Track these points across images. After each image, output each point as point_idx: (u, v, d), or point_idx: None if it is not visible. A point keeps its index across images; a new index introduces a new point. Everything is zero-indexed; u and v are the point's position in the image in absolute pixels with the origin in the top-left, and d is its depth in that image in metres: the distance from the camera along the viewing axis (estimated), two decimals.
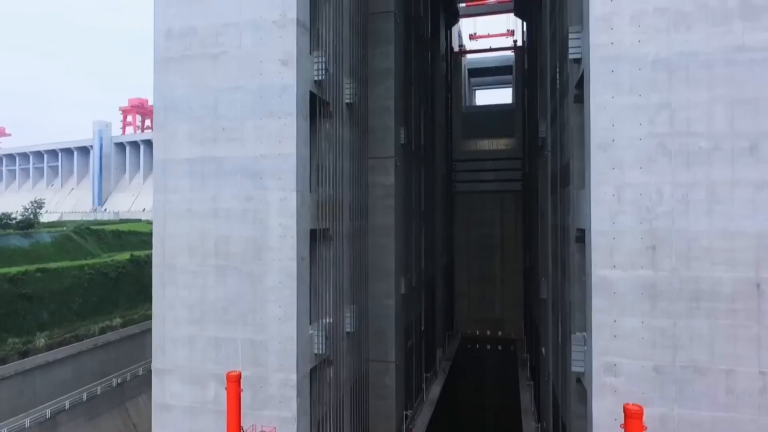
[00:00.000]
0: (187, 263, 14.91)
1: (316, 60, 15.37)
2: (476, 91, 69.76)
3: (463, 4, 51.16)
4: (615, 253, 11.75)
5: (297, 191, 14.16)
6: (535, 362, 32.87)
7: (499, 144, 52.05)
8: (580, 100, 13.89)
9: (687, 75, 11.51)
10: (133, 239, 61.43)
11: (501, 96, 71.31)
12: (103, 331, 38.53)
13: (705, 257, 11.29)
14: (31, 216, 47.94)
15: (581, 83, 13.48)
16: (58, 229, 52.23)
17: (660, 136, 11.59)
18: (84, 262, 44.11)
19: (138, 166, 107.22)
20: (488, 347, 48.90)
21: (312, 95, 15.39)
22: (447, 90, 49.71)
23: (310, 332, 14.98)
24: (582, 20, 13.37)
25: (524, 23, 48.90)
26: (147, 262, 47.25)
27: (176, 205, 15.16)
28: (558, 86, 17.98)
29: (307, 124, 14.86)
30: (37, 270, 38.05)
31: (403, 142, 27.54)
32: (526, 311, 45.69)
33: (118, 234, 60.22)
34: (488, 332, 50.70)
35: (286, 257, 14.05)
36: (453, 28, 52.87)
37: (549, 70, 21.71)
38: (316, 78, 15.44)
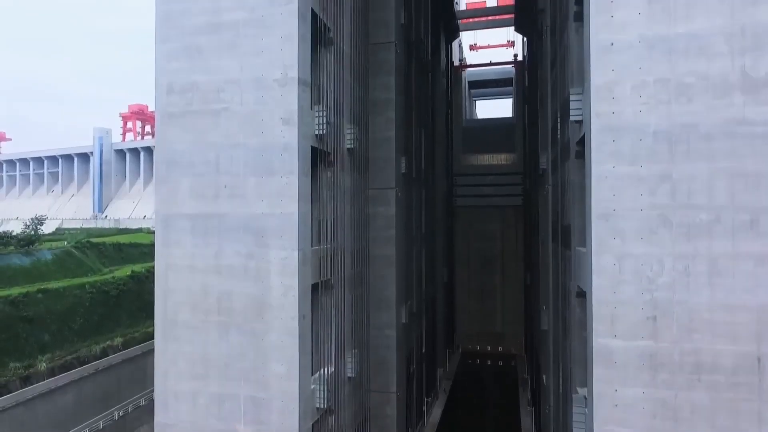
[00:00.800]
0: (190, 319, 14.96)
1: (317, 114, 15.40)
2: (477, 102, 69.70)
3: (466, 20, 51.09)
4: (616, 322, 11.80)
5: (299, 249, 14.20)
6: (536, 385, 32.95)
7: (500, 159, 52.10)
8: (581, 156, 13.92)
9: (688, 147, 11.54)
10: (134, 251, 61.58)
11: (501, 106, 71.10)
12: (104, 352, 38.61)
13: (706, 329, 11.32)
14: (32, 233, 47.88)
15: (582, 143, 13.51)
16: (59, 244, 52.26)
17: (661, 208, 11.62)
18: (85, 280, 44.18)
19: (138, 172, 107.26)
20: (489, 362, 49.00)
21: (313, 149, 15.42)
22: (447, 105, 49.75)
23: (312, 387, 15.04)
24: (583, 82, 13.39)
25: (524, 38, 48.91)
26: (148, 277, 47.40)
27: (179, 260, 15.19)
28: (559, 139, 18.00)
29: (308, 179, 14.90)
30: (39, 291, 38.13)
31: (403, 171, 27.59)
32: (527, 328, 45.76)
33: (118, 247, 60.35)
34: (489, 347, 50.79)
35: (288, 316, 14.10)
36: (453, 42, 52.89)
37: (549, 118, 21.73)
38: (317, 132, 15.48)
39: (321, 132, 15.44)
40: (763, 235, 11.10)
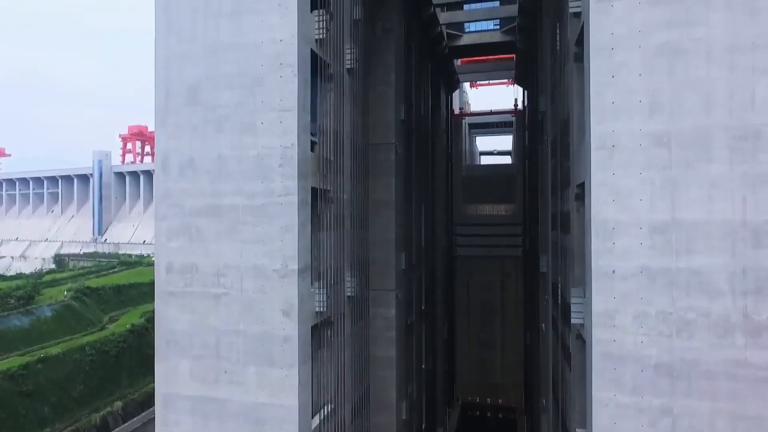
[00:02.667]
0: None
1: (317, 294, 15.36)
2: (477, 138, 69.65)
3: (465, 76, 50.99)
4: None
5: None
6: None
7: (500, 209, 52.06)
8: (583, 382, 13.84)
9: (689, 384, 11.52)
10: (134, 293, 61.69)
11: (501, 142, 71.04)
12: (104, 421, 38.61)
13: None
14: (30, 289, 47.86)
15: (583, 364, 13.47)
16: (59, 294, 52.20)
17: None
18: (85, 340, 44.20)
19: (138, 195, 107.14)
20: (488, 414, 49.06)
21: (314, 327, 15.39)
22: (447, 158, 49.68)
23: None
24: (584, 283, 13.35)
25: (525, 91, 48.81)
26: (148, 330, 47.35)
27: None
28: (560, 350, 17.94)
29: (308, 367, 14.86)
30: (38, 361, 38.09)
31: (403, 267, 27.58)
32: (526, 383, 45.78)
33: (118, 289, 60.45)
34: (489, 399, 50.80)
35: None
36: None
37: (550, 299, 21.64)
38: (317, 310, 15.43)
39: (321, 309, 15.40)
40: None
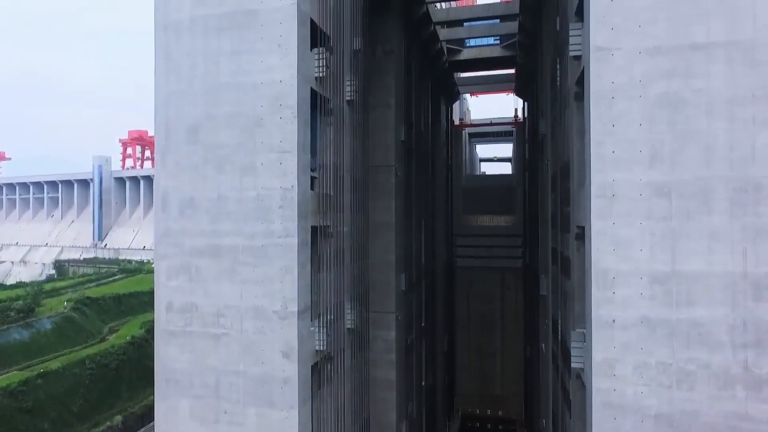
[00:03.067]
0: None
1: (317, 333, 15.35)
2: (477, 145, 69.63)
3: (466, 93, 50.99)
4: None
5: None
6: None
7: (500, 221, 52.02)
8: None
9: None
10: (134, 302, 61.67)
11: (502, 149, 71.00)
12: None
13: None
14: (31, 301, 47.86)
15: (583, 417, 13.45)
16: (59, 304, 52.17)
17: None
18: (85, 353, 44.18)
19: (138, 200, 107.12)
20: (488, 426, 49.05)
21: (314, 366, 15.37)
22: (448, 170, 49.65)
23: None
24: (584, 327, 13.34)
25: (525, 103, 48.76)
26: (148, 341, 47.30)
27: None
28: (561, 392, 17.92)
29: (308, 407, 14.86)
30: (38, 376, 38.08)
31: (404, 288, 27.59)
32: (526, 395, 45.77)
33: (118, 299, 60.44)
34: (488, 411, 50.78)
35: None
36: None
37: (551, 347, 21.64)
38: (317, 348, 15.42)
39: (322, 347, 15.38)
40: None
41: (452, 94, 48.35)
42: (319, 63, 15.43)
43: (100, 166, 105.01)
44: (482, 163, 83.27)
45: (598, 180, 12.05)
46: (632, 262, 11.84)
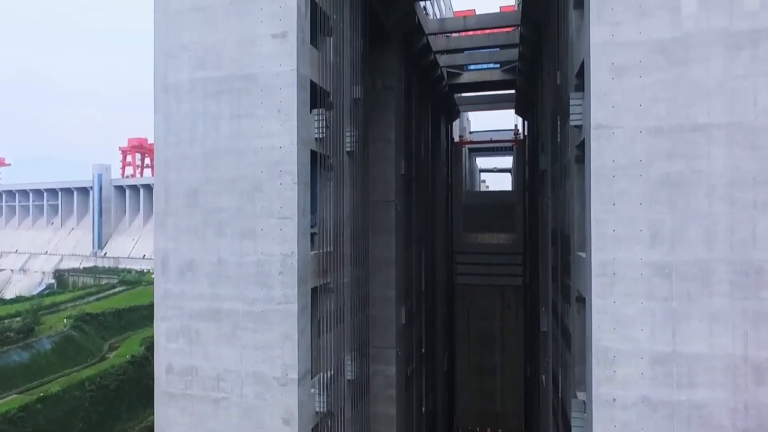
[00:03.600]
0: None
1: (317, 395, 15.33)
2: (477, 158, 69.62)
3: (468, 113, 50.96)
4: None
5: None
6: None
7: (500, 238, 52.01)
8: None
9: None
10: (134, 317, 61.68)
11: (502, 162, 71.00)
12: None
13: None
14: (30, 320, 47.85)
15: None
16: (58, 322, 52.15)
17: None
18: (85, 374, 44.15)
19: (138, 209, 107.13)
20: None
21: (314, 427, 15.37)
22: (448, 188, 49.67)
23: None
24: (585, 396, 13.31)
25: (525, 121, 48.73)
26: (148, 359, 47.27)
27: None
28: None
29: None
30: (38, 400, 38.07)
31: (404, 322, 27.59)
32: (526, 413, 45.80)
33: (118, 314, 60.50)
34: (489, 428, 50.80)
35: None
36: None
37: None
38: (317, 410, 15.41)
39: (322, 410, 15.37)
40: None
41: (452, 112, 48.34)
42: (319, 124, 15.41)
43: (99, 175, 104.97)
44: (482, 174, 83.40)
45: (599, 258, 12.03)
46: (633, 341, 11.82)
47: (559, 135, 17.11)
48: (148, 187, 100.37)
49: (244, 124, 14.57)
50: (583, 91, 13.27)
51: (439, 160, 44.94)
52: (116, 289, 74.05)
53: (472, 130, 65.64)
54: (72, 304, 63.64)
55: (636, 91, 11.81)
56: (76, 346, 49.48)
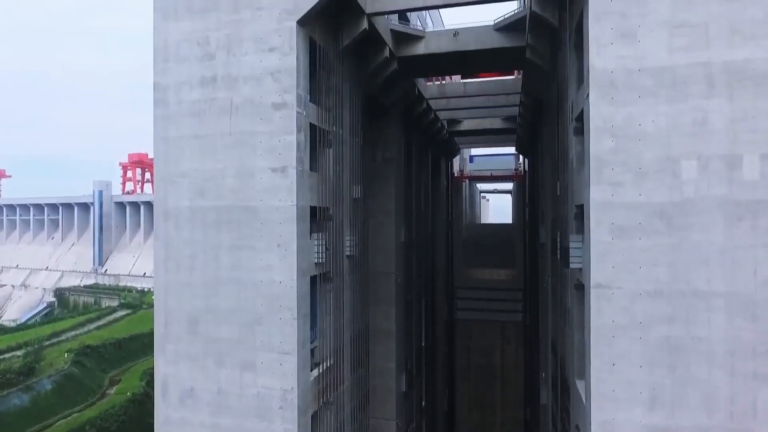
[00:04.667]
0: None
1: None
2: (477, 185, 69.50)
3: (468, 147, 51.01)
4: None
5: None
6: None
7: (500, 274, 51.97)
8: None
9: None
10: (134, 346, 61.62)
11: (502, 185, 70.77)
12: None
13: None
14: (31, 360, 47.90)
15: None
16: (59, 356, 52.17)
17: None
18: (86, 416, 44.09)
19: (138, 225, 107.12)
20: None
21: None
22: (448, 226, 49.66)
23: None
24: None
25: (525, 159, 48.71)
26: (149, 395, 47.26)
27: None
28: None
29: None
30: None
31: (404, 390, 27.60)
32: None
33: (119, 344, 60.38)
34: None
35: None
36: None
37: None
38: None
39: None
40: None
41: (452, 151, 48.30)
42: (318, 249, 15.39)
43: (100, 192, 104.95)
44: (483, 195, 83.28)
45: (599, 418, 12.03)
46: None
47: (558, 250, 17.07)
48: (149, 204, 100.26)
49: (244, 255, 14.57)
50: (583, 234, 13.25)
51: (439, 196, 44.95)
52: (117, 314, 74.04)
53: (473, 154, 65.52)
54: (73, 333, 63.68)
55: (636, 253, 11.81)
56: (77, 384, 49.45)
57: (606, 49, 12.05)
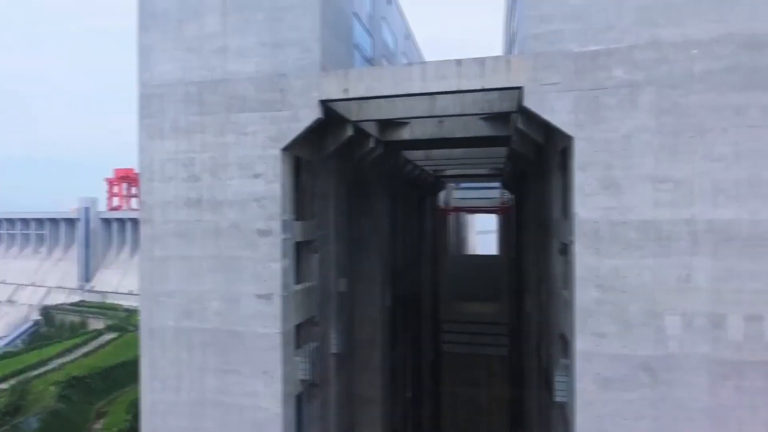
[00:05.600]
0: None
1: None
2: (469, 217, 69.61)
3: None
4: None
5: None
6: None
7: (486, 308, 52.20)
8: None
9: None
10: (120, 375, 61.23)
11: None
12: None
13: None
14: (17, 397, 47.44)
15: None
16: (46, 393, 51.69)
17: None
18: None
19: (124, 241, 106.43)
20: None
21: None
22: (434, 260, 49.68)
23: None
24: None
25: (513, 195, 48.85)
26: (135, 429, 46.92)
27: None
28: None
29: None
30: None
31: None
32: None
33: (105, 374, 60.02)
34: None
35: None
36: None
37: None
38: None
39: None
40: None
41: (438, 189, 48.34)
42: (305, 366, 15.35)
43: (87, 208, 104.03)
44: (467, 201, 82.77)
45: None
46: None
47: (543, 371, 17.11)
48: (135, 221, 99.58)
49: (230, 380, 14.57)
50: (567, 373, 13.30)
51: (425, 231, 44.91)
52: (103, 338, 73.53)
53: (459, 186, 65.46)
54: (59, 361, 63.22)
55: (621, 404, 11.88)
56: (63, 421, 49.06)
57: (591, 198, 12.13)
